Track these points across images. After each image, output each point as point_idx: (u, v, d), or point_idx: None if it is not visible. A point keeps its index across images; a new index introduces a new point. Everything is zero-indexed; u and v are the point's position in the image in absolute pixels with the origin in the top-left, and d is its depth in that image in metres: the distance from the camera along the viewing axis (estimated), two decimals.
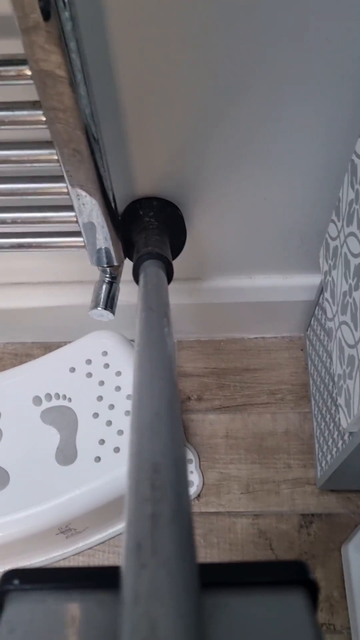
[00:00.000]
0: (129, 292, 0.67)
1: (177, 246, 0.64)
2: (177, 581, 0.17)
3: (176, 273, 0.56)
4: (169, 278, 0.54)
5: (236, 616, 0.18)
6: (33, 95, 0.40)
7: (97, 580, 0.20)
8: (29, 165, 0.47)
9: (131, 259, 0.58)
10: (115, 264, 0.58)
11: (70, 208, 0.51)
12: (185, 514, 0.20)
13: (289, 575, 0.20)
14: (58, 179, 0.49)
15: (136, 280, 0.53)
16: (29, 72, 0.38)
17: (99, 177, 0.47)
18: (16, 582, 0.20)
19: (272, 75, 0.46)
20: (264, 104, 0.48)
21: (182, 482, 0.22)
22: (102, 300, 0.59)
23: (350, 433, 0.56)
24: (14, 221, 0.53)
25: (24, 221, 0.54)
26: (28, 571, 0.20)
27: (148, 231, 0.58)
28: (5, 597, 0.19)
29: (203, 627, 0.18)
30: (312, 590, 0.19)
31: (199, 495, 0.73)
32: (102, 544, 0.71)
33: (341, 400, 0.54)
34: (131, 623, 0.16)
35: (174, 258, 0.64)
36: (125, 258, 0.60)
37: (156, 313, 0.39)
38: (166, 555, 0.18)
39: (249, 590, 0.19)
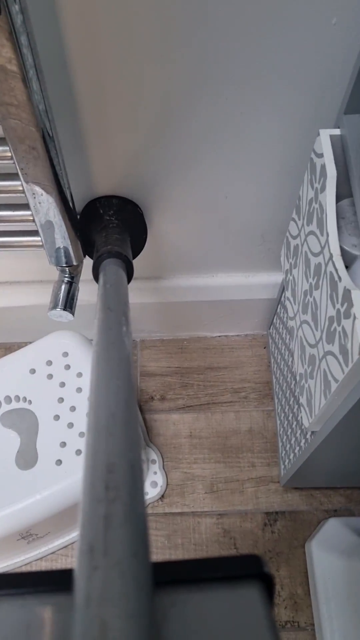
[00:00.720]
0: (89, 292, 0.66)
1: (138, 245, 0.63)
2: (129, 582, 0.17)
3: (138, 272, 0.56)
4: (129, 277, 0.53)
5: (191, 613, 0.18)
6: None
7: (53, 584, 0.19)
8: None
9: (91, 258, 0.57)
10: (75, 263, 0.57)
11: (26, 207, 0.50)
12: (139, 514, 0.20)
13: (243, 570, 0.19)
14: (13, 176, 0.47)
15: (96, 279, 0.52)
16: None
17: (55, 174, 0.46)
18: None
19: (232, 74, 0.45)
20: (224, 102, 0.48)
21: (136, 482, 0.22)
22: (61, 300, 0.57)
23: (312, 432, 0.56)
24: None
25: None
26: None
27: (108, 230, 0.57)
28: None
29: (157, 626, 0.17)
30: (267, 583, 0.19)
31: (162, 496, 0.73)
32: (65, 549, 0.70)
33: (303, 400, 0.54)
34: (82, 625, 0.16)
35: (134, 257, 0.63)
36: (84, 257, 0.59)
37: (114, 313, 0.38)
38: (118, 556, 0.18)
39: (204, 587, 0.19)
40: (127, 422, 0.24)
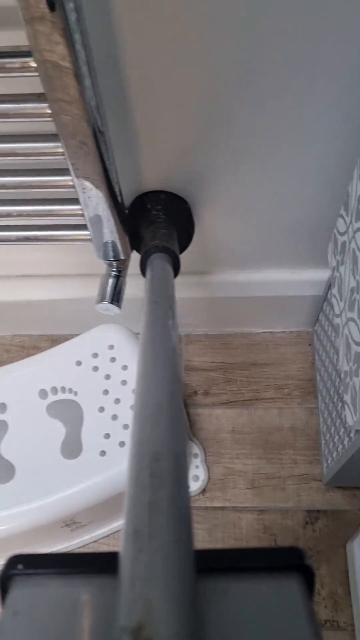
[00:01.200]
0: (136, 286, 0.67)
1: (185, 240, 0.64)
2: (172, 565, 0.18)
3: (184, 266, 0.56)
4: (176, 272, 0.54)
5: (232, 601, 0.19)
6: (38, 88, 0.39)
7: (98, 565, 0.20)
8: (34, 158, 0.47)
9: (139, 252, 0.58)
10: (122, 257, 0.58)
11: (76, 201, 0.51)
12: (182, 502, 0.21)
13: (284, 561, 0.20)
14: (64, 171, 0.48)
15: (143, 273, 0.53)
16: (33, 64, 0.38)
17: (104, 169, 0.47)
18: (20, 566, 0.20)
19: (284, 69, 0.45)
20: (274, 98, 0.47)
21: (181, 471, 0.22)
22: (108, 294, 0.58)
23: (357, 430, 0.55)
24: (19, 214, 0.53)
25: (30, 214, 0.53)
26: (32, 556, 0.21)
27: (155, 225, 0.57)
28: (10, 581, 0.20)
29: (199, 611, 0.18)
30: (307, 575, 0.20)
31: (204, 490, 0.73)
32: (107, 538, 0.71)
33: (347, 398, 0.53)
34: (127, 604, 0.17)
35: (181, 252, 0.64)
36: (132, 251, 0.60)
37: (161, 306, 0.39)
38: (162, 540, 0.18)
39: (245, 576, 0.19)
40: (172, 413, 0.25)
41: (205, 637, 0.17)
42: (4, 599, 0.20)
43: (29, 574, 0.20)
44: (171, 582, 0.17)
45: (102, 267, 0.60)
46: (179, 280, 0.54)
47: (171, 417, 0.25)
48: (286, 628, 0.18)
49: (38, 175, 0.50)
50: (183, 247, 0.64)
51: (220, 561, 0.20)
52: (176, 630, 0.16)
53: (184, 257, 0.62)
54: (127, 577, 0.18)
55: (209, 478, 0.74)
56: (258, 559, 0.20)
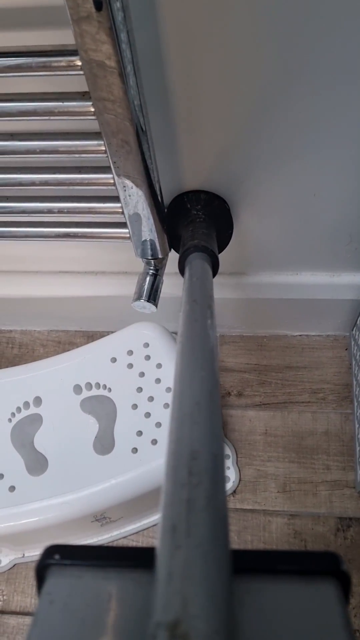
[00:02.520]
0: (172, 285, 0.67)
1: (224, 240, 0.64)
2: (210, 563, 0.18)
3: (221, 267, 0.56)
4: (215, 271, 0.54)
5: (267, 602, 0.19)
6: (83, 86, 0.40)
7: (134, 559, 0.20)
8: (76, 155, 0.47)
9: (177, 252, 0.58)
10: (160, 256, 0.58)
11: (116, 199, 0.51)
12: (220, 501, 0.21)
13: (321, 566, 0.20)
14: (105, 169, 0.49)
15: (181, 272, 0.53)
16: (79, 63, 0.38)
17: (145, 168, 0.47)
18: (57, 556, 0.21)
19: (327, 67, 0.44)
20: (317, 98, 0.47)
21: (218, 470, 0.22)
22: (145, 292, 0.58)
23: None
24: (60, 211, 0.54)
25: (70, 211, 0.54)
26: (68, 547, 0.21)
27: (195, 224, 0.57)
28: (47, 570, 0.21)
29: (233, 610, 0.18)
30: (343, 581, 0.20)
31: (234, 492, 0.73)
32: (136, 534, 0.71)
33: None
34: (164, 600, 0.17)
35: (220, 252, 0.64)
36: (170, 250, 0.60)
37: (200, 306, 0.39)
38: (200, 537, 0.18)
39: (281, 578, 0.19)
40: (211, 412, 0.25)
41: (240, 636, 0.17)
42: (40, 587, 0.20)
43: (65, 564, 0.21)
44: (209, 579, 0.17)
45: (139, 265, 0.60)
46: (214, 280, 0.53)
47: (210, 416, 0.25)
48: (321, 633, 0.18)
49: (80, 172, 0.50)
50: (222, 247, 0.64)
51: (256, 562, 0.20)
52: (213, 627, 0.16)
53: (222, 257, 0.62)
54: (164, 572, 0.18)
55: (240, 480, 0.74)
56: (294, 562, 0.20)
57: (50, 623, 0.19)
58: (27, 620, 0.69)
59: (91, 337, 0.86)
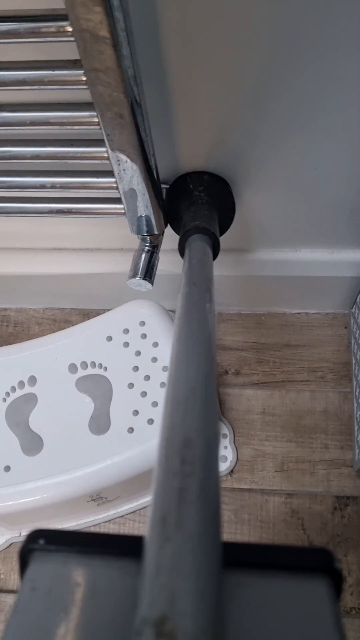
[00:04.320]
0: (168, 262, 0.66)
1: (225, 222, 0.62)
2: (200, 557, 0.17)
3: (220, 244, 0.55)
4: (215, 254, 0.52)
5: (256, 597, 0.18)
6: (74, 54, 0.38)
7: (120, 548, 0.20)
8: (69, 127, 0.46)
9: (178, 233, 0.56)
10: (156, 232, 0.56)
11: (110, 174, 0.50)
12: (212, 492, 0.20)
13: (313, 562, 0.19)
14: (99, 142, 0.47)
15: (181, 254, 0.52)
16: (69, 29, 0.36)
17: (140, 142, 0.45)
18: (41, 542, 0.20)
19: (328, 39, 0.42)
20: (317, 70, 0.45)
21: (212, 459, 0.22)
22: (141, 269, 0.57)
23: None
24: (53, 186, 0.52)
25: (63, 186, 0.52)
26: (53, 532, 0.20)
27: (196, 206, 0.56)
28: (30, 555, 0.20)
29: (222, 607, 0.17)
30: (336, 579, 0.19)
31: (232, 471, 0.73)
32: (133, 514, 0.71)
33: None
34: (151, 594, 0.16)
35: (221, 234, 0.62)
36: (165, 227, 0.58)
37: (199, 288, 0.38)
38: (191, 530, 0.18)
39: (272, 573, 0.19)
40: (206, 398, 0.24)
41: (228, 633, 0.17)
42: (22, 572, 0.20)
43: (50, 550, 0.20)
44: (198, 574, 0.17)
45: (135, 242, 0.59)
46: None
47: (205, 402, 0.24)
48: (312, 631, 0.17)
49: (72, 145, 0.49)
50: (223, 229, 0.63)
51: (247, 556, 0.19)
52: (201, 625, 0.15)
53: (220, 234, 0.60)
54: (152, 565, 0.17)
55: (237, 459, 0.73)
56: (286, 557, 0.19)
57: (31, 610, 0.18)
58: None
59: (87, 315, 0.85)
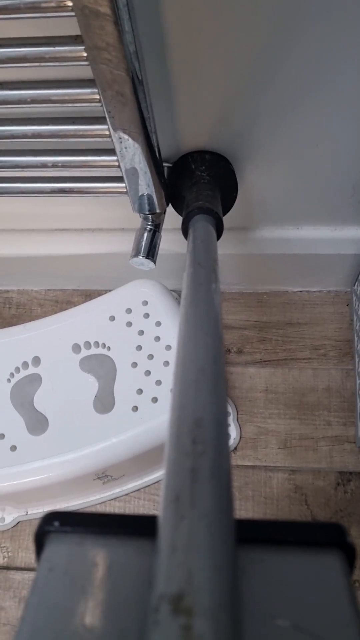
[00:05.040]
0: (170, 241, 0.65)
1: (228, 202, 0.62)
2: (215, 534, 0.17)
3: (224, 224, 0.54)
4: (219, 234, 0.52)
5: (270, 573, 0.18)
6: (74, 30, 0.38)
7: (134, 527, 0.20)
8: (70, 105, 0.45)
9: (180, 215, 0.56)
10: (158, 211, 0.56)
11: (112, 152, 0.49)
12: (224, 470, 0.20)
13: (326, 537, 0.20)
14: (100, 120, 0.47)
15: (185, 234, 0.51)
16: (70, 3, 0.36)
17: (142, 120, 0.45)
18: (56, 523, 0.20)
19: (331, 12, 0.42)
20: (320, 45, 0.45)
21: (223, 438, 0.22)
22: (143, 248, 0.57)
23: None
24: (54, 165, 0.52)
25: (65, 165, 0.52)
26: (68, 514, 0.21)
27: (199, 185, 0.55)
28: (46, 537, 0.20)
29: (238, 583, 0.18)
30: (348, 553, 0.19)
31: (235, 448, 0.73)
32: (138, 491, 0.72)
33: None
34: (167, 572, 0.16)
35: (224, 214, 0.62)
36: (167, 205, 0.58)
37: (204, 269, 0.38)
38: (205, 508, 0.18)
39: (285, 549, 0.19)
40: (216, 378, 0.24)
41: (243, 608, 0.17)
42: (39, 554, 0.20)
43: (65, 531, 0.20)
44: (213, 551, 0.17)
45: (137, 221, 0.59)
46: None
47: (214, 382, 0.24)
48: (325, 605, 0.18)
49: (74, 123, 0.48)
50: (226, 209, 0.62)
51: (261, 532, 0.20)
52: (217, 600, 0.15)
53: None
54: (168, 543, 0.17)
55: (240, 437, 0.74)
56: (299, 532, 0.20)
57: (49, 590, 0.18)
58: (32, 575, 0.70)
59: (89, 295, 0.85)
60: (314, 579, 0.18)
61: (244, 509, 0.70)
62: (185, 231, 0.50)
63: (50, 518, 0.21)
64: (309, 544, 0.19)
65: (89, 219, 0.72)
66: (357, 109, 0.51)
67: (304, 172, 0.60)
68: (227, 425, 0.22)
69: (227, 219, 0.66)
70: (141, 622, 0.17)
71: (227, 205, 0.62)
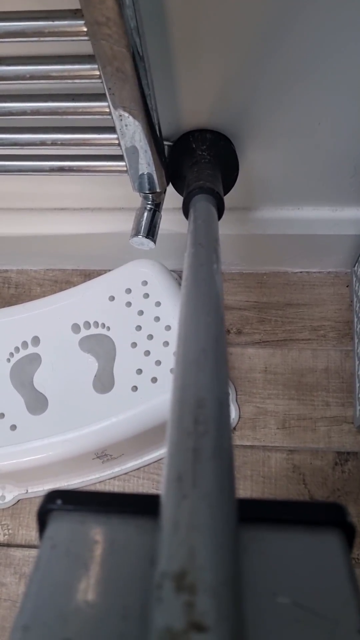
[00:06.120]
0: (170, 221, 0.65)
1: (229, 181, 0.61)
2: (217, 513, 0.18)
3: (225, 204, 0.54)
4: (220, 214, 0.52)
5: (271, 551, 0.19)
6: (74, 3, 0.37)
7: (136, 506, 0.20)
8: (69, 81, 0.45)
9: (181, 194, 0.55)
10: (158, 190, 0.56)
11: (112, 130, 0.49)
12: (226, 450, 0.21)
13: (326, 517, 0.20)
14: (100, 97, 0.46)
15: (186, 214, 0.51)
16: None
17: (143, 97, 0.44)
18: (59, 502, 0.21)
19: None
20: (322, 20, 0.44)
21: (224, 418, 0.22)
22: (143, 227, 0.57)
23: None
24: (54, 143, 0.51)
25: (65, 143, 0.51)
26: (71, 492, 0.21)
27: (200, 165, 0.55)
28: (49, 515, 0.20)
29: (239, 559, 0.18)
30: (348, 532, 0.20)
31: (234, 428, 0.73)
32: (137, 470, 0.72)
33: None
34: (170, 550, 0.16)
35: (225, 193, 0.61)
36: (168, 184, 0.58)
37: (205, 249, 0.38)
38: (207, 488, 0.18)
39: (285, 528, 0.19)
40: (217, 358, 0.24)
41: (245, 586, 0.17)
42: (41, 532, 0.20)
43: (68, 509, 0.20)
44: (216, 530, 0.17)
45: (137, 201, 0.58)
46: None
47: (216, 362, 0.24)
48: (326, 582, 0.18)
49: (73, 100, 0.48)
50: (227, 189, 0.62)
51: (261, 511, 0.20)
52: (220, 578, 0.15)
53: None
54: (170, 522, 0.17)
55: (239, 417, 0.74)
56: (300, 511, 0.20)
57: (52, 567, 0.18)
58: (32, 552, 0.70)
59: (88, 275, 0.85)
60: (314, 557, 0.19)
61: (242, 488, 0.71)
62: (186, 211, 0.50)
63: (53, 496, 0.21)
64: (309, 523, 0.20)
65: (88, 198, 0.72)
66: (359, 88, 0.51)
67: (305, 151, 0.60)
68: (228, 406, 0.22)
69: (227, 199, 0.65)
70: (143, 599, 0.17)
71: (228, 185, 0.62)
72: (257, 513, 0.20)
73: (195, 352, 0.25)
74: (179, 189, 0.60)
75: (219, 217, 0.51)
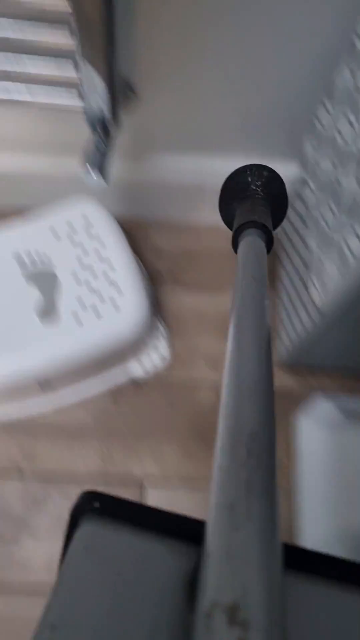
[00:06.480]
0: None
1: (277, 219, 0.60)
2: (269, 551, 0.17)
3: (127, 148, 0.56)
4: (269, 249, 0.51)
5: (308, 602, 0.19)
6: None
7: (175, 527, 0.20)
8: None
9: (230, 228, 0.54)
10: (110, 129, 0.57)
11: (70, 59, 0.48)
12: (275, 488, 0.20)
13: None
14: (62, 24, 0.46)
15: (234, 246, 0.50)
16: None
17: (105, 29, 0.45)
18: (97, 504, 0.20)
19: None
20: None
21: (274, 457, 0.21)
22: (93, 160, 0.57)
23: (319, 311, 0.59)
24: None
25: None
26: (110, 498, 0.20)
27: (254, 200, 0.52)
28: (82, 515, 0.20)
29: (285, 602, 0.18)
30: None
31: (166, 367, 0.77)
32: (78, 404, 0.74)
33: (314, 277, 0.56)
34: (219, 580, 0.16)
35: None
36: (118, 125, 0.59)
37: (259, 283, 0.36)
38: (260, 522, 0.18)
39: (324, 581, 0.19)
40: (268, 393, 0.25)
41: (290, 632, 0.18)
42: (71, 530, 0.20)
43: (104, 514, 0.20)
44: (268, 567, 0.17)
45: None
46: (130, 165, 0.50)
47: (267, 397, 0.24)
48: None
49: (33, 25, 0.48)
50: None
51: (306, 561, 0.20)
52: (272, 617, 0.16)
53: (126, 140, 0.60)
54: (221, 551, 0.17)
55: (171, 355, 0.78)
56: (346, 570, 0.20)
57: (83, 569, 0.19)
58: None
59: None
60: (353, 619, 0.19)
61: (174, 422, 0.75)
62: (235, 244, 0.49)
63: (90, 497, 0.20)
64: (353, 583, 0.19)
65: (40, 136, 0.70)
66: (294, 46, 0.53)
67: (235, 101, 0.61)
68: (276, 443, 0.22)
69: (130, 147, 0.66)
70: (172, 616, 0.18)
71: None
72: (301, 562, 0.20)
73: (248, 383, 0.25)
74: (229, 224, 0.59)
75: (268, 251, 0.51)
